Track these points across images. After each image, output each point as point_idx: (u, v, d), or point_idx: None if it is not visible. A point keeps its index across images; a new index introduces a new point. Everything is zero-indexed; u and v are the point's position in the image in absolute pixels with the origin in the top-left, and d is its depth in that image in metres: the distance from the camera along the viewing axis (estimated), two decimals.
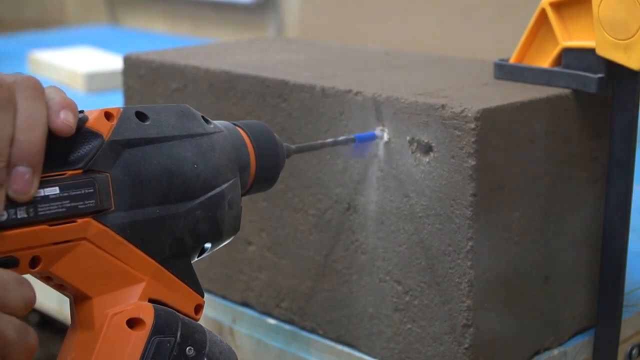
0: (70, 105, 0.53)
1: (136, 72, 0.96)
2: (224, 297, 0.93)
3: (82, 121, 0.54)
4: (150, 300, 0.55)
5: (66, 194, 0.52)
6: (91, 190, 0.52)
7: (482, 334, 0.75)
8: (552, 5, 0.79)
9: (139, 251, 0.55)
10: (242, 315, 0.91)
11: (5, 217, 0.49)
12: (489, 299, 0.75)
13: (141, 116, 0.57)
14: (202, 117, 0.61)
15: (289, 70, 0.87)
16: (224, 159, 0.60)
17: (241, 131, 0.64)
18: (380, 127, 0.76)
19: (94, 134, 0.54)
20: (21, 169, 0.50)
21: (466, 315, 0.74)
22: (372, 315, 0.80)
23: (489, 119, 0.71)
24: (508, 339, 0.78)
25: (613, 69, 0.76)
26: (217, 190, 0.59)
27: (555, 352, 0.82)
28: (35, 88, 0.52)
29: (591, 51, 0.77)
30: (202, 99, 0.90)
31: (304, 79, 0.82)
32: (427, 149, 0.74)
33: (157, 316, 0.54)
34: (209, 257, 0.93)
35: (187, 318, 0.57)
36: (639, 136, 0.81)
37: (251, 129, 0.65)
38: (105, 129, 0.55)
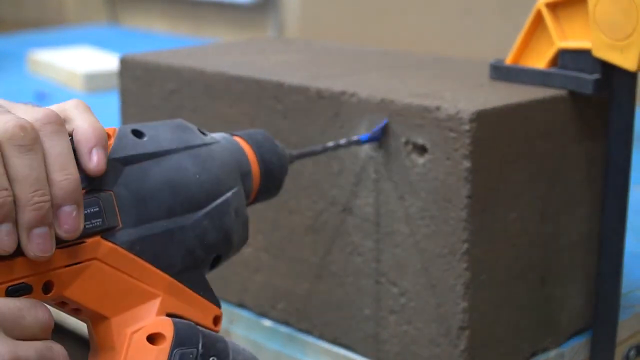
0: (100, 140, 0.53)
1: (132, 73, 0.96)
2: (220, 298, 0.93)
3: None
4: (168, 315, 0.55)
5: None
6: (97, 209, 0.52)
7: (478, 336, 0.75)
8: (547, 5, 0.79)
9: (151, 267, 0.55)
10: (238, 316, 0.91)
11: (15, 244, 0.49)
12: (485, 301, 0.75)
13: (137, 133, 0.57)
14: (198, 129, 0.61)
15: (284, 72, 0.86)
16: (225, 168, 0.60)
17: (242, 140, 0.64)
18: (369, 132, 0.76)
19: None
20: (67, 208, 0.50)
21: (462, 317, 0.74)
22: (368, 317, 0.80)
23: (484, 120, 0.71)
24: (504, 340, 0.77)
25: (609, 70, 0.76)
26: (222, 198, 0.59)
27: (552, 353, 0.82)
28: (57, 122, 0.51)
29: (587, 52, 0.76)
30: (198, 101, 0.90)
31: (299, 80, 0.82)
32: (422, 151, 0.74)
33: (177, 329, 0.54)
34: None
35: (207, 330, 0.56)
36: (636, 137, 0.81)
37: (253, 137, 0.65)
38: None
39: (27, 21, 2.94)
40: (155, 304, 0.55)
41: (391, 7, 2.09)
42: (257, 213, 0.87)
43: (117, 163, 0.54)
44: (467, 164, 0.71)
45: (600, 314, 0.82)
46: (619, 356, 0.86)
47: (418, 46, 1.84)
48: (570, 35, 0.78)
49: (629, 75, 0.75)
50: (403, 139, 0.74)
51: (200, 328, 0.56)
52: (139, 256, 0.54)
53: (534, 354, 0.81)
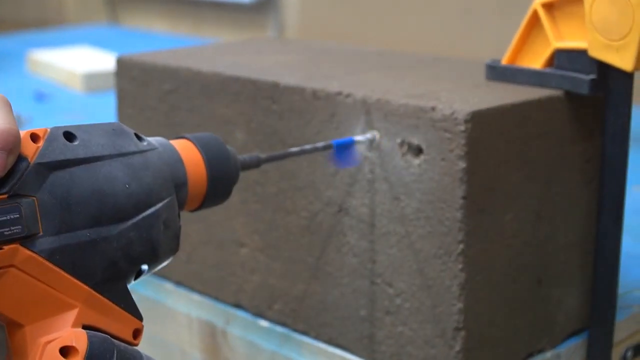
0: (6, 144, 0.50)
1: (129, 73, 0.96)
2: (216, 299, 0.93)
3: None
4: (85, 327, 0.54)
5: None
6: (17, 216, 0.50)
7: (474, 337, 0.74)
8: (544, 6, 0.79)
9: (69, 277, 0.53)
10: (234, 317, 0.91)
11: None
12: (481, 302, 0.74)
13: (69, 136, 0.54)
14: (135, 134, 0.59)
15: (280, 72, 0.86)
16: (158, 178, 0.58)
17: (190, 144, 0.63)
18: (365, 133, 0.76)
19: (19, 158, 0.51)
20: None
21: (457, 318, 0.73)
22: (364, 318, 0.80)
23: (480, 121, 0.71)
24: (500, 341, 0.77)
25: (605, 70, 0.76)
26: (151, 210, 0.57)
27: (549, 354, 0.82)
28: None
29: (583, 52, 0.76)
30: (195, 101, 0.90)
31: (295, 80, 0.82)
32: (418, 151, 0.73)
33: (91, 343, 0.53)
34: (201, 259, 0.94)
35: (123, 344, 0.55)
36: (633, 137, 0.80)
37: (202, 141, 0.63)
38: (31, 151, 0.52)
39: (27, 21, 2.94)
40: (72, 314, 0.53)
41: (391, 7, 2.09)
42: (253, 213, 0.87)
43: (43, 168, 0.52)
44: (462, 164, 0.71)
45: (597, 315, 0.81)
46: (616, 357, 0.86)
47: (417, 46, 1.84)
48: (567, 36, 0.78)
49: (625, 76, 0.75)
50: (398, 140, 0.74)
51: (117, 343, 0.54)
52: (58, 266, 0.52)
53: (530, 355, 0.81)
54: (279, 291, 0.87)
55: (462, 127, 0.70)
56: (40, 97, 1.73)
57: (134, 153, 0.57)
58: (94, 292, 0.54)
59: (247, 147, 0.86)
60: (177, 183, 0.61)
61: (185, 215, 0.94)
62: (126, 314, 0.56)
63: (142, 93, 0.95)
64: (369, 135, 0.76)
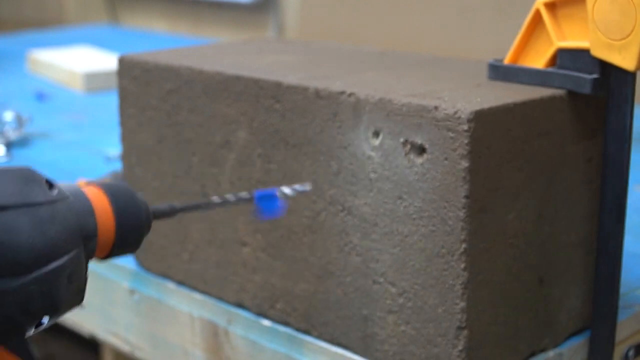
0: None
1: (131, 73, 0.96)
2: (219, 298, 0.93)
3: None
4: None
5: None
6: None
7: (476, 336, 0.74)
8: (546, 5, 0.79)
9: None
10: (237, 316, 0.91)
11: None
12: (483, 301, 0.75)
13: None
14: (47, 181, 0.57)
15: (282, 72, 0.86)
16: (65, 231, 0.56)
17: (99, 192, 0.61)
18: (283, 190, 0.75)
19: None
20: None
21: (460, 317, 0.73)
22: (366, 317, 0.80)
23: (483, 120, 0.71)
24: (502, 341, 0.77)
25: (607, 70, 0.76)
26: (55, 264, 0.55)
27: (551, 354, 0.82)
28: None
29: (586, 52, 0.76)
30: (196, 100, 0.90)
31: (298, 80, 0.82)
32: (421, 151, 0.73)
33: None
34: (203, 259, 0.94)
35: None
36: (634, 137, 0.80)
37: (111, 190, 0.62)
38: None
39: (27, 21, 2.94)
40: None
41: (390, 7, 2.09)
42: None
43: None
44: (465, 163, 0.71)
45: (599, 314, 0.81)
46: (618, 356, 0.86)
47: (417, 46, 1.84)
48: (569, 35, 0.78)
49: (628, 75, 0.75)
50: (401, 139, 0.74)
51: None
52: None
53: (532, 354, 0.81)
54: (281, 290, 0.87)
55: (465, 127, 0.70)
56: (40, 97, 1.73)
57: (41, 204, 0.55)
58: None
59: (250, 146, 0.86)
60: (86, 235, 0.58)
61: (187, 215, 0.94)
62: None
63: (144, 92, 0.95)
64: (296, 188, 0.75)
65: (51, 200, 0.56)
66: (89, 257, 0.59)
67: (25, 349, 0.55)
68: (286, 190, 0.75)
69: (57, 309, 0.56)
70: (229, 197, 0.73)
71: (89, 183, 0.62)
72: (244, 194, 0.73)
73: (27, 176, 0.56)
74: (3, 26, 2.83)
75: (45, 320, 0.55)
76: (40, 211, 0.55)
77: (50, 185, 0.57)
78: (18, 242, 0.53)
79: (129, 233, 0.62)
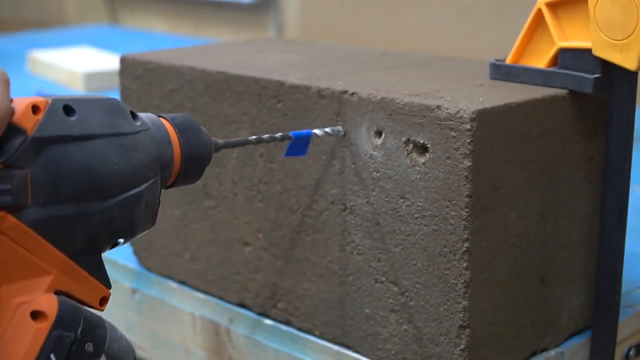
0: None
1: (133, 72, 0.96)
2: (220, 298, 0.93)
3: None
4: (57, 292, 0.56)
5: None
6: (8, 187, 0.53)
7: (478, 335, 0.75)
8: (548, 5, 0.79)
9: (50, 245, 0.55)
10: (238, 316, 0.91)
11: None
12: (485, 300, 0.75)
13: (68, 110, 0.56)
14: (131, 112, 0.61)
15: (284, 71, 0.86)
16: (146, 159, 0.60)
17: (168, 126, 0.64)
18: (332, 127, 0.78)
19: (19, 130, 0.53)
20: None
21: (462, 316, 0.74)
22: (368, 316, 0.80)
23: (485, 119, 0.71)
24: (504, 340, 0.78)
25: (609, 70, 0.76)
26: (136, 190, 0.59)
27: (552, 353, 0.82)
28: None
29: (587, 51, 0.76)
30: (198, 100, 0.90)
31: (300, 79, 0.82)
32: (423, 150, 0.74)
33: (61, 310, 0.55)
34: (205, 258, 0.94)
35: (90, 313, 0.57)
36: (636, 137, 0.81)
37: (178, 123, 0.65)
38: (30, 124, 0.54)
39: (27, 21, 2.94)
40: (47, 280, 0.56)
41: (390, 7, 2.09)
42: (257, 212, 0.87)
43: (39, 142, 0.54)
44: (467, 163, 0.71)
45: (600, 314, 0.82)
46: (619, 355, 0.86)
47: (417, 46, 1.84)
48: (571, 35, 0.78)
49: (629, 75, 0.75)
50: (404, 138, 0.75)
51: (85, 311, 0.57)
52: (40, 235, 0.55)
53: (533, 354, 0.81)
54: (283, 290, 0.87)
55: (468, 126, 0.70)
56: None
57: (127, 134, 0.59)
58: (70, 261, 0.57)
59: (252, 146, 0.86)
60: (164, 164, 0.62)
61: (188, 214, 0.94)
62: (97, 282, 0.59)
63: (146, 92, 0.95)
64: (328, 130, 0.77)
65: (135, 130, 0.60)
66: (162, 185, 0.63)
67: (99, 267, 0.59)
68: (318, 132, 0.77)
69: (133, 231, 0.60)
70: (266, 137, 0.76)
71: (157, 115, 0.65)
72: (279, 135, 0.76)
73: (114, 107, 0.59)
74: (3, 26, 2.83)
75: (121, 241, 0.60)
76: (125, 140, 0.58)
77: (134, 116, 0.60)
78: (105, 169, 0.57)
79: (194, 164, 0.65)
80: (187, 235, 0.95)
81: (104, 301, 0.59)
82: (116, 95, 1.00)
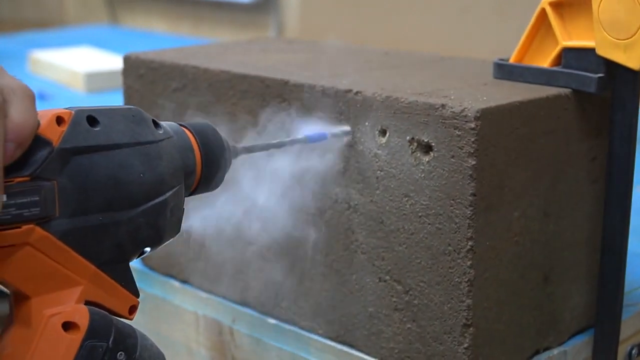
0: (17, 138, 0.52)
1: (136, 72, 0.96)
2: (223, 297, 0.93)
3: None
4: (87, 302, 0.56)
5: (12, 202, 0.52)
6: (37, 199, 0.53)
7: (482, 333, 0.75)
8: (552, 5, 0.79)
9: (78, 256, 0.56)
10: (241, 315, 0.91)
11: None
12: (489, 299, 0.75)
13: (92, 121, 0.57)
14: (153, 120, 0.61)
15: (288, 70, 0.87)
16: (170, 167, 0.60)
17: (188, 133, 0.64)
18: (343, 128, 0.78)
19: (44, 142, 0.54)
20: None
21: (466, 314, 0.74)
22: (372, 315, 0.80)
23: (489, 118, 0.71)
24: (507, 338, 0.78)
25: (613, 69, 0.76)
26: (161, 198, 0.59)
27: (555, 351, 0.82)
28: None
29: (591, 51, 0.77)
30: (202, 99, 0.90)
31: (304, 78, 0.82)
32: (427, 149, 0.74)
33: (92, 320, 0.56)
34: (209, 258, 0.94)
35: (121, 321, 0.58)
36: (639, 136, 0.81)
37: (198, 131, 0.65)
38: (56, 135, 0.54)
39: (27, 21, 2.94)
40: (77, 291, 0.56)
41: (390, 7, 2.09)
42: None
43: (65, 153, 0.54)
44: (471, 161, 0.71)
45: (603, 312, 0.82)
46: (622, 354, 0.87)
47: (417, 46, 1.85)
48: (574, 34, 0.79)
49: (633, 74, 0.76)
50: (408, 137, 0.75)
51: (115, 321, 0.57)
52: (69, 246, 0.55)
53: (536, 352, 0.81)
54: (286, 289, 0.87)
55: (472, 125, 0.71)
56: (42, 97, 1.73)
57: (150, 143, 0.59)
58: (99, 270, 0.57)
59: None
60: (187, 171, 0.63)
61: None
62: (125, 291, 0.59)
63: (150, 91, 0.95)
64: (340, 130, 0.78)
65: (158, 139, 0.60)
66: (186, 192, 0.64)
67: (126, 276, 0.59)
68: (333, 130, 0.79)
69: (160, 239, 0.60)
70: (285, 139, 0.77)
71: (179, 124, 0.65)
72: (300, 136, 0.78)
73: (137, 116, 0.60)
74: (3, 26, 2.83)
75: (148, 249, 0.60)
76: (149, 149, 0.59)
77: (155, 124, 0.61)
78: (130, 178, 0.57)
79: (213, 172, 0.66)
80: (190, 235, 0.95)
81: (133, 310, 0.60)
82: (119, 94, 1.00)
